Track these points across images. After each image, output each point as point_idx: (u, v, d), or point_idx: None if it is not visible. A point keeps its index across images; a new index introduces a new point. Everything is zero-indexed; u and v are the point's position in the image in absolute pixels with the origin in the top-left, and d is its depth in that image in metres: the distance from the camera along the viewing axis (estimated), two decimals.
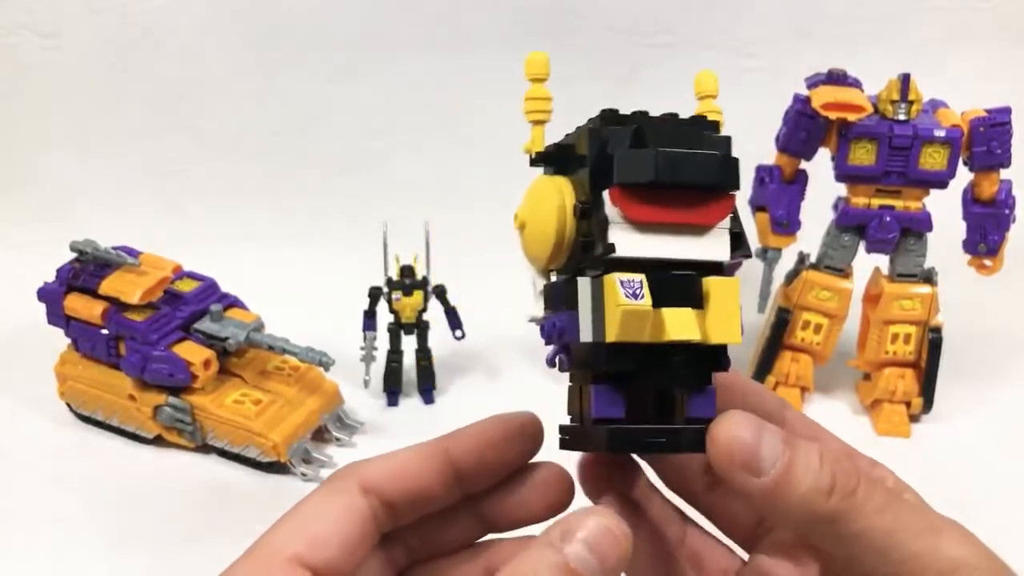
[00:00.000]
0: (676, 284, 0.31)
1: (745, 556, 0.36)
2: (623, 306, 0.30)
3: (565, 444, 0.33)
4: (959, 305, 0.76)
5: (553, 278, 0.34)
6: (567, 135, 0.34)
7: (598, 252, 0.31)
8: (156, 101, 0.97)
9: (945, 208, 0.71)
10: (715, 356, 0.32)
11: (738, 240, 0.32)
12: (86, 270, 0.69)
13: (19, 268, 0.78)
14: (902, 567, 0.30)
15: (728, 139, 0.32)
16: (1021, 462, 0.68)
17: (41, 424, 0.72)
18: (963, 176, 0.70)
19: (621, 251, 0.31)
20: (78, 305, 0.69)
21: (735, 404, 0.31)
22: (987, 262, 0.72)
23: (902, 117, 0.68)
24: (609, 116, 0.32)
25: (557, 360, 0.34)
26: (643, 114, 0.32)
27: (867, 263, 0.75)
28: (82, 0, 0.94)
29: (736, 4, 0.94)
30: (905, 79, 0.67)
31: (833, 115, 0.67)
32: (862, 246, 0.72)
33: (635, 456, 0.35)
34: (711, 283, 0.31)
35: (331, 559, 0.31)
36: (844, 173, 0.69)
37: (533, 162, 0.34)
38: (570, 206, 0.32)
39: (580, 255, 0.32)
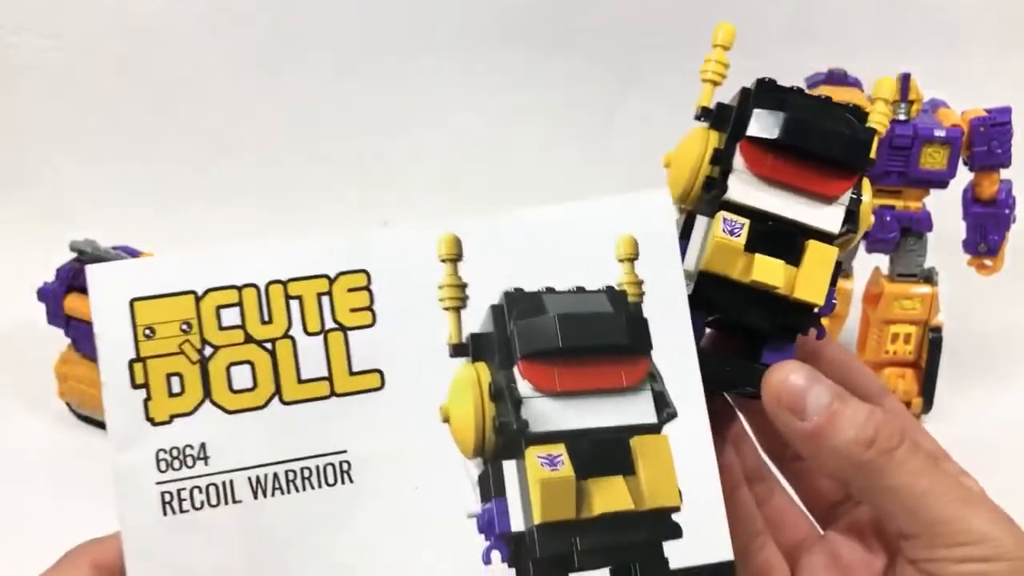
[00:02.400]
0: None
1: (822, 532, 0.37)
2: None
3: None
4: (959, 305, 0.75)
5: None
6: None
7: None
8: (156, 101, 0.96)
9: (945, 208, 0.70)
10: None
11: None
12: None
13: (19, 268, 0.77)
14: (930, 529, 0.31)
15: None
16: (1022, 462, 0.68)
17: (41, 424, 0.71)
18: (963, 176, 0.69)
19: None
20: (78, 305, 0.67)
21: (834, 377, 0.32)
22: (987, 262, 0.70)
23: (902, 117, 0.67)
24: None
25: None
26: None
27: (867, 263, 0.75)
28: (82, 0, 0.95)
29: (736, 4, 0.93)
30: (905, 79, 0.67)
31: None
32: (862, 246, 0.71)
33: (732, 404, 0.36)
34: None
35: None
36: None
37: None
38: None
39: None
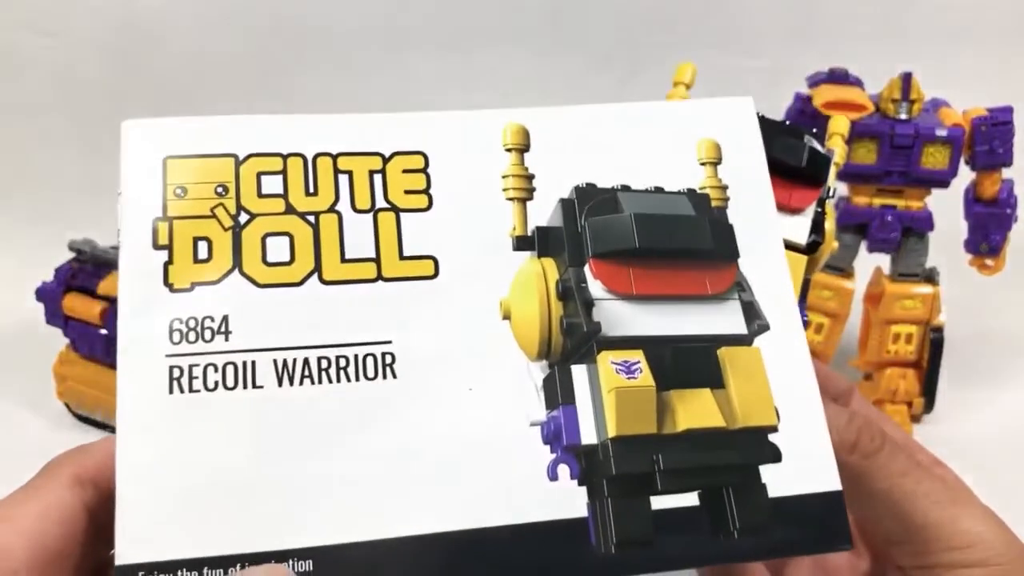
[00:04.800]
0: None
1: None
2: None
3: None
4: (961, 305, 0.74)
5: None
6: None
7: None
8: (156, 101, 0.96)
9: (947, 207, 0.68)
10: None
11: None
12: (85, 270, 0.66)
13: (19, 268, 0.77)
14: (919, 534, 0.30)
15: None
16: (1022, 462, 0.67)
17: (40, 424, 0.69)
18: (965, 175, 0.68)
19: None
20: (77, 305, 0.66)
21: None
22: (989, 262, 0.69)
23: (904, 116, 0.65)
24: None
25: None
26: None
27: (869, 263, 0.74)
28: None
29: (737, 3, 0.93)
30: (907, 78, 0.65)
31: (834, 114, 0.67)
32: (863, 246, 0.70)
33: None
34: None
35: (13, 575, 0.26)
36: (845, 172, 0.67)
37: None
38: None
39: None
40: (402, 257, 0.29)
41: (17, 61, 0.91)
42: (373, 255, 0.29)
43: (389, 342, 0.28)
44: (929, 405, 0.71)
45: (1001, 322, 0.83)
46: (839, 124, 0.36)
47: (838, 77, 0.68)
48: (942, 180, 0.67)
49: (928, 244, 0.69)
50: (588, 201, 0.30)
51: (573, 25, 0.92)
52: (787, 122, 0.33)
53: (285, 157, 0.29)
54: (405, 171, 0.30)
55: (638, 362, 0.28)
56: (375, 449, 0.28)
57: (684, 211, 0.30)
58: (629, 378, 0.27)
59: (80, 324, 0.67)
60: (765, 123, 0.32)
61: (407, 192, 0.30)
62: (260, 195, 0.29)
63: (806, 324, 0.31)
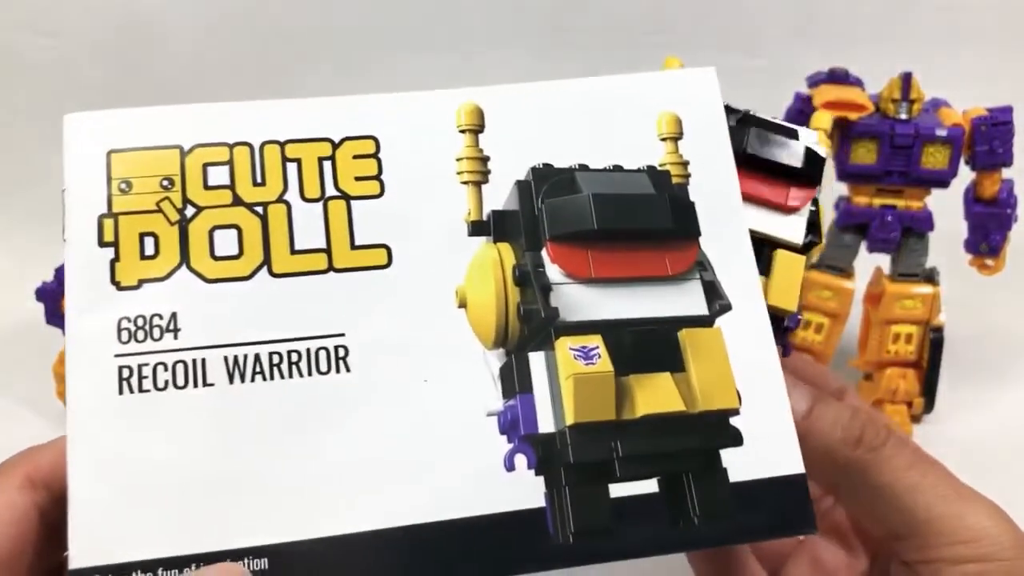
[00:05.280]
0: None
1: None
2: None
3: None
4: (961, 305, 0.73)
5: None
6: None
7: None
8: (156, 101, 0.96)
9: (947, 207, 0.68)
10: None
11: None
12: None
13: (19, 268, 0.77)
14: (923, 527, 0.29)
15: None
16: (1022, 462, 0.67)
17: (39, 424, 0.68)
18: (965, 175, 0.67)
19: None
20: None
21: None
22: (989, 262, 0.69)
23: (903, 116, 0.65)
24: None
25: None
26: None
27: (869, 263, 0.74)
28: None
29: (737, 3, 0.93)
30: (907, 78, 0.65)
31: (834, 114, 0.66)
32: (863, 245, 0.70)
33: None
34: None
35: None
36: (845, 172, 0.67)
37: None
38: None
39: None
40: (353, 247, 0.28)
41: (17, 61, 0.91)
42: (324, 245, 0.28)
43: (342, 335, 0.28)
44: (929, 405, 0.71)
45: (1001, 322, 0.83)
46: (821, 119, 0.36)
47: (838, 77, 0.67)
48: (942, 180, 0.67)
49: (928, 244, 0.69)
50: (545, 182, 0.29)
51: (573, 25, 0.92)
52: (777, 120, 0.33)
53: (232, 146, 0.29)
54: (356, 156, 0.29)
55: (596, 347, 0.27)
56: (330, 444, 0.27)
57: (644, 190, 0.29)
58: (587, 364, 0.27)
59: None
60: (760, 122, 0.32)
61: (358, 179, 0.29)
62: (207, 187, 0.28)
63: (805, 324, 0.32)
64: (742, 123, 0.31)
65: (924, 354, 0.70)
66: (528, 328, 0.28)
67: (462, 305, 0.28)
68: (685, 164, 0.30)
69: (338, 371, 0.27)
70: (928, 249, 0.69)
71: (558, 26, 0.91)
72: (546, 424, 0.27)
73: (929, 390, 0.70)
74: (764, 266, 0.30)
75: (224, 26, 0.92)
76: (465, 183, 0.29)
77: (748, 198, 0.31)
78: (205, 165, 0.28)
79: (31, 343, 0.72)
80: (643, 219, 0.28)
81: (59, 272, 0.69)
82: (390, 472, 0.27)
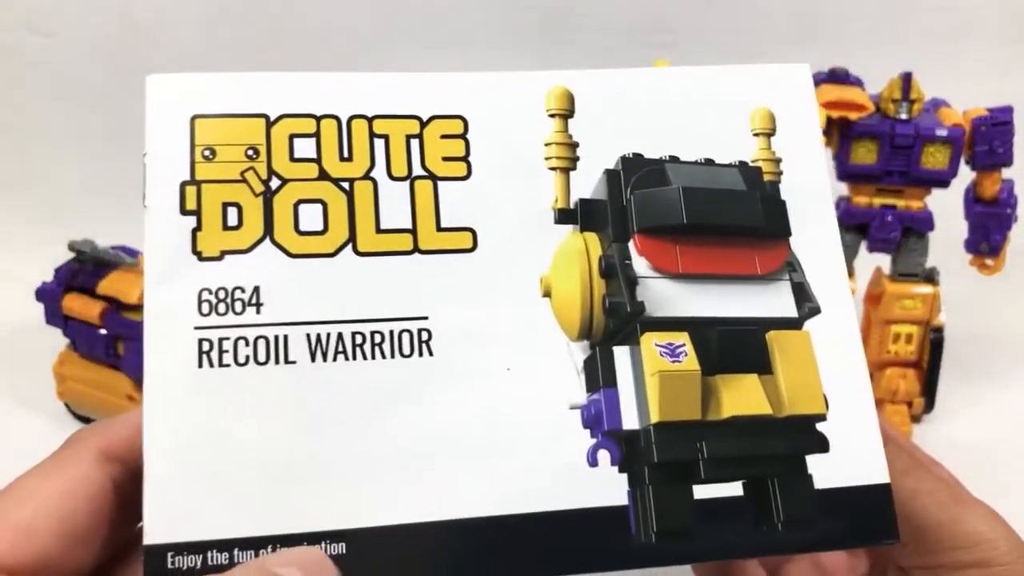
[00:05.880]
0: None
1: None
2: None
3: None
4: (961, 305, 0.73)
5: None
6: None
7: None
8: None
9: (947, 207, 0.68)
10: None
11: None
12: (84, 270, 0.66)
13: (19, 268, 0.76)
14: (922, 533, 0.29)
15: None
16: (1022, 462, 0.67)
17: (40, 424, 0.68)
18: (965, 175, 0.67)
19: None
20: (76, 305, 0.65)
21: None
22: (989, 262, 0.68)
23: (904, 116, 0.65)
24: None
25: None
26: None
27: (869, 263, 0.74)
28: None
29: (737, 3, 0.93)
30: (907, 78, 0.64)
31: (834, 114, 0.64)
32: (863, 245, 0.70)
33: None
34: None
35: (40, 554, 0.25)
36: (845, 172, 0.67)
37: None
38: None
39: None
40: (439, 228, 0.28)
41: (17, 61, 0.91)
42: (409, 226, 0.27)
43: (425, 318, 0.27)
44: (929, 405, 0.71)
45: (1001, 322, 0.82)
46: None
47: (838, 77, 0.67)
48: (942, 180, 0.67)
49: (928, 244, 0.69)
50: (634, 172, 0.28)
51: (572, 25, 0.91)
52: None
53: (319, 119, 0.28)
54: (443, 136, 0.29)
55: (683, 345, 0.26)
56: (410, 429, 0.27)
57: (735, 185, 0.28)
58: (673, 361, 0.26)
59: (80, 324, 0.67)
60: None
61: (445, 159, 0.28)
62: (292, 159, 0.28)
63: None
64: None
65: (924, 354, 0.70)
66: (613, 322, 0.27)
67: (546, 295, 0.28)
68: (777, 161, 0.29)
69: (420, 355, 0.27)
70: (928, 249, 0.69)
71: (558, 26, 0.91)
72: (630, 421, 0.27)
73: (929, 390, 0.70)
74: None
75: (224, 26, 0.92)
76: (553, 169, 0.28)
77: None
78: (291, 136, 0.28)
79: (31, 343, 0.71)
80: (734, 216, 0.28)
81: (59, 272, 0.69)
82: (470, 461, 0.27)
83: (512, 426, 0.27)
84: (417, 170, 0.28)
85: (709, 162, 0.29)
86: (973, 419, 0.72)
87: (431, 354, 0.27)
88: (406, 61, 0.93)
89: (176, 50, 0.93)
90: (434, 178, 0.28)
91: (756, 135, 0.29)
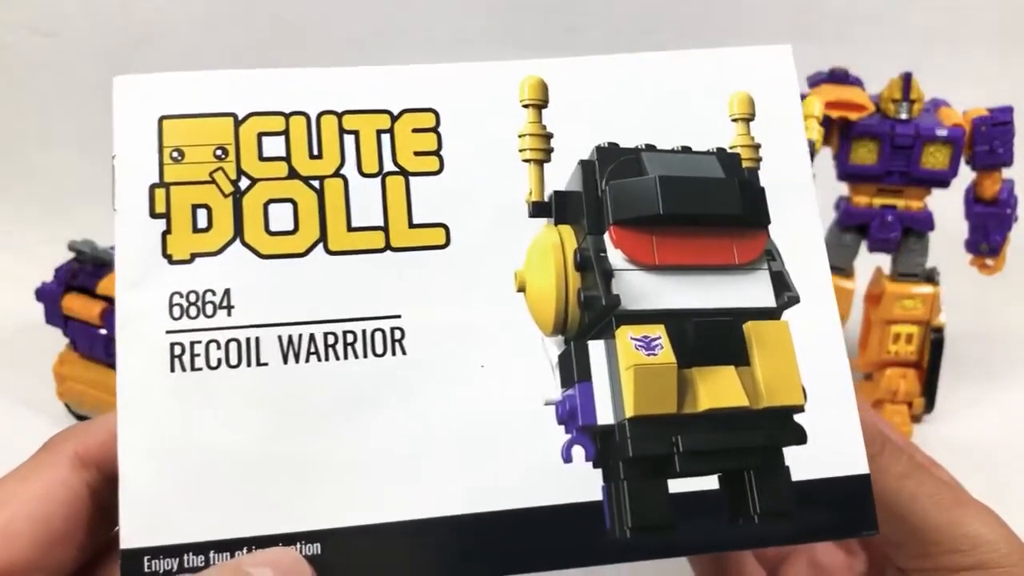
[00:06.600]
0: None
1: None
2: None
3: None
4: (961, 305, 0.73)
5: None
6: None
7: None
8: None
9: (947, 207, 0.68)
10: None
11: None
12: (84, 270, 0.66)
13: (19, 268, 0.76)
14: (921, 536, 0.29)
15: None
16: (1022, 462, 0.67)
17: (40, 424, 0.68)
18: (965, 175, 0.67)
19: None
20: (76, 305, 0.65)
21: None
22: (989, 262, 0.68)
23: (904, 116, 0.65)
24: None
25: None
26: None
27: (869, 263, 0.74)
28: None
29: (737, 3, 0.93)
30: (907, 78, 0.64)
31: (835, 114, 0.64)
32: (863, 245, 0.70)
33: None
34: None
35: (17, 558, 0.25)
36: (846, 172, 0.66)
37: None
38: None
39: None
40: (411, 225, 0.27)
41: (17, 61, 0.91)
42: (381, 223, 0.27)
43: (398, 316, 0.27)
44: (929, 405, 0.70)
45: (1001, 322, 0.82)
46: (812, 106, 0.33)
47: (838, 77, 0.67)
48: (942, 180, 0.66)
49: (928, 244, 0.69)
50: (610, 163, 0.28)
51: (572, 25, 0.92)
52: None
53: (287, 116, 0.28)
54: (415, 130, 0.28)
55: (658, 337, 0.26)
56: (384, 429, 0.26)
57: (712, 173, 0.28)
58: (649, 355, 0.26)
59: (80, 324, 0.67)
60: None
61: (417, 154, 0.28)
62: (261, 158, 0.27)
63: None
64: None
65: (924, 354, 0.70)
66: (588, 315, 0.27)
67: (521, 289, 0.27)
68: (756, 147, 0.28)
69: (394, 354, 0.27)
70: (928, 249, 0.69)
71: (558, 26, 0.91)
72: (605, 415, 0.26)
73: (929, 390, 0.70)
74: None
75: (224, 26, 0.92)
76: (527, 161, 0.28)
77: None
78: (260, 135, 0.28)
79: (31, 343, 0.71)
80: (711, 204, 0.27)
81: (59, 272, 0.68)
82: (445, 459, 0.26)
83: (486, 424, 0.27)
84: (388, 166, 0.28)
85: (686, 149, 0.28)
86: (973, 419, 0.71)
87: (404, 353, 0.27)
88: (406, 61, 0.94)
89: (176, 50, 0.93)
90: (406, 173, 0.28)
91: (735, 120, 0.29)
